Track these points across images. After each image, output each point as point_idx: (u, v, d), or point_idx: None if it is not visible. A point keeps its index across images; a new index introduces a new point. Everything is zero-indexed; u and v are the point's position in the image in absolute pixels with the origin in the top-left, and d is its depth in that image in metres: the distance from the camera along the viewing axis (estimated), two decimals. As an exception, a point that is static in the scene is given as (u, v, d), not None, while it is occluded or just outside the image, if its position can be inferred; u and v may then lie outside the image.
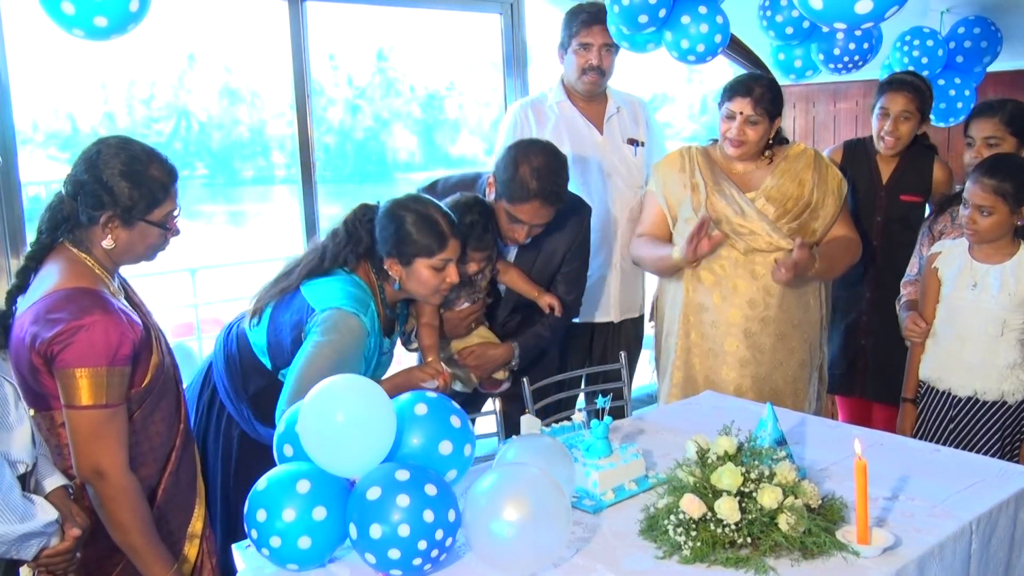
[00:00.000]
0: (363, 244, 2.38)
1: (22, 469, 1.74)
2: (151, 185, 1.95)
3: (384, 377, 2.45)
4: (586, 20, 3.34)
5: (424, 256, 2.32)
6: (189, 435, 2.18)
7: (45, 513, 1.72)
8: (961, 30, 4.37)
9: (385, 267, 2.37)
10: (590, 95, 3.46)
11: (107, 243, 1.95)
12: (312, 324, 2.26)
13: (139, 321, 1.96)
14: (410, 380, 2.34)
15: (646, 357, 3.83)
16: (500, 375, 2.88)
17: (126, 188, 1.92)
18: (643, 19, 3.28)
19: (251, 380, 2.44)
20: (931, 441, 2.71)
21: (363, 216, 2.40)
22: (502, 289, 2.92)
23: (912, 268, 3.06)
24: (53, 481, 1.84)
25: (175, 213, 2.03)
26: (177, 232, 2.06)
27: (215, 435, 2.52)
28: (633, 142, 3.53)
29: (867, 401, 3.49)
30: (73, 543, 1.80)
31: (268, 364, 2.40)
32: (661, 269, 3.07)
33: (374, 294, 2.38)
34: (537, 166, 2.63)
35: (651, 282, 3.69)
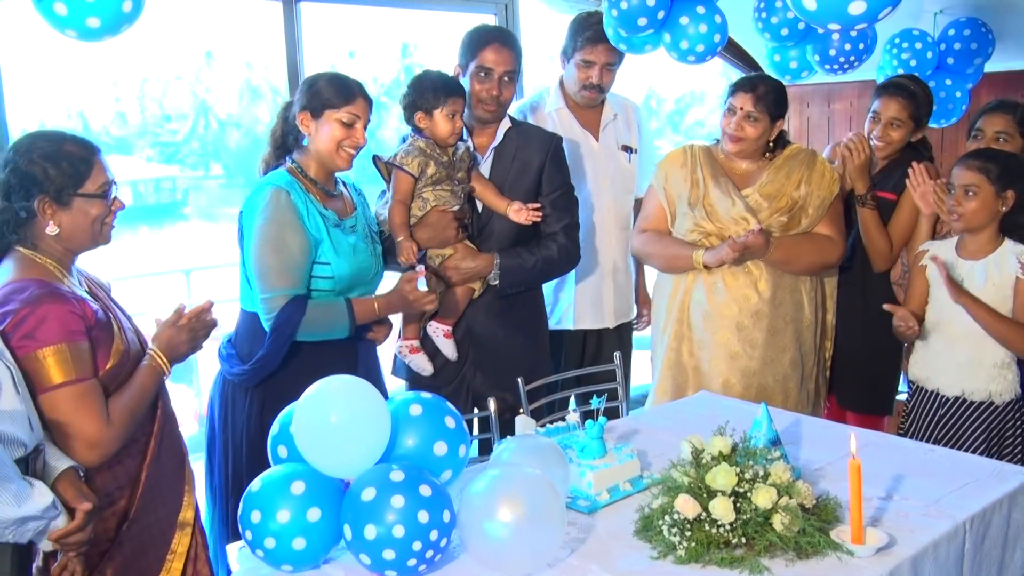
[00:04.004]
0: (279, 128, 2.57)
1: (20, 452, 1.75)
2: (71, 159, 1.99)
3: (378, 295, 2.59)
4: (591, 38, 3.31)
5: (333, 108, 2.46)
6: (169, 424, 2.19)
7: (43, 497, 1.73)
8: (952, 31, 4.38)
9: (298, 123, 2.50)
10: (586, 107, 3.47)
11: (51, 229, 1.99)
12: (243, 221, 2.47)
13: (96, 308, 2.00)
14: (401, 296, 2.55)
15: (639, 358, 3.83)
16: (476, 286, 2.86)
17: (48, 169, 1.96)
18: (642, 22, 3.28)
19: (259, 339, 2.47)
20: (920, 441, 2.71)
21: (282, 106, 2.61)
22: (480, 206, 2.92)
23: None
24: (62, 464, 1.86)
25: (110, 185, 2.06)
26: (122, 205, 2.10)
27: (232, 432, 2.54)
28: (627, 149, 3.53)
29: (842, 410, 3.48)
30: (84, 520, 1.81)
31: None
32: (673, 267, 3.06)
33: (294, 175, 2.50)
34: (488, 24, 3.02)
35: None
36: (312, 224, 2.44)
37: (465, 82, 2.87)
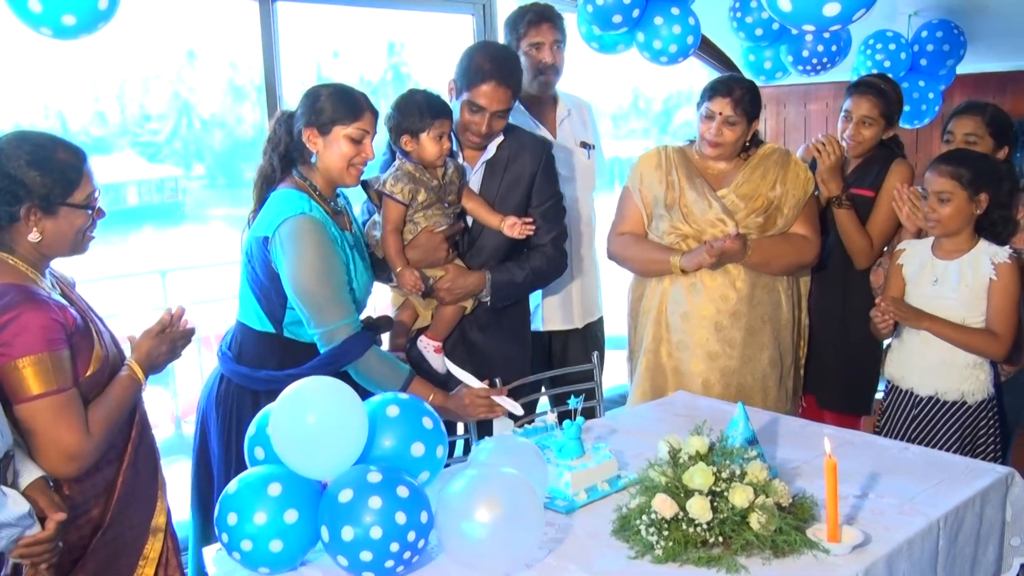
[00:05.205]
0: (283, 143, 2.45)
1: None
2: (62, 168, 1.93)
3: (438, 390, 2.50)
4: (533, 19, 3.26)
5: (341, 124, 2.38)
6: (146, 429, 2.16)
7: (17, 505, 1.70)
8: (924, 33, 4.43)
9: (304, 140, 2.41)
10: (543, 95, 3.41)
11: (33, 236, 1.92)
12: (274, 251, 2.33)
13: (76, 314, 1.95)
14: (462, 406, 2.47)
15: (611, 358, 3.82)
16: (467, 304, 2.84)
17: (37, 176, 1.90)
18: (617, 19, 3.29)
19: (268, 359, 2.44)
20: (895, 440, 2.73)
21: (282, 117, 2.49)
22: (470, 220, 2.89)
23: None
24: (32, 473, 1.82)
25: (95, 194, 2.01)
26: (103, 214, 2.05)
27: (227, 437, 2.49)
28: (585, 145, 3.49)
29: (820, 411, 3.49)
30: (55, 531, 1.78)
31: (272, 328, 2.42)
32: (650, 271, 3.07)
33: (307, 192, 2.42)
34: (491, 51, 2.81)
35: (609, 284, 3.68)
36: (341, 248, 2.40)
37: (455, 105, 2.80)
